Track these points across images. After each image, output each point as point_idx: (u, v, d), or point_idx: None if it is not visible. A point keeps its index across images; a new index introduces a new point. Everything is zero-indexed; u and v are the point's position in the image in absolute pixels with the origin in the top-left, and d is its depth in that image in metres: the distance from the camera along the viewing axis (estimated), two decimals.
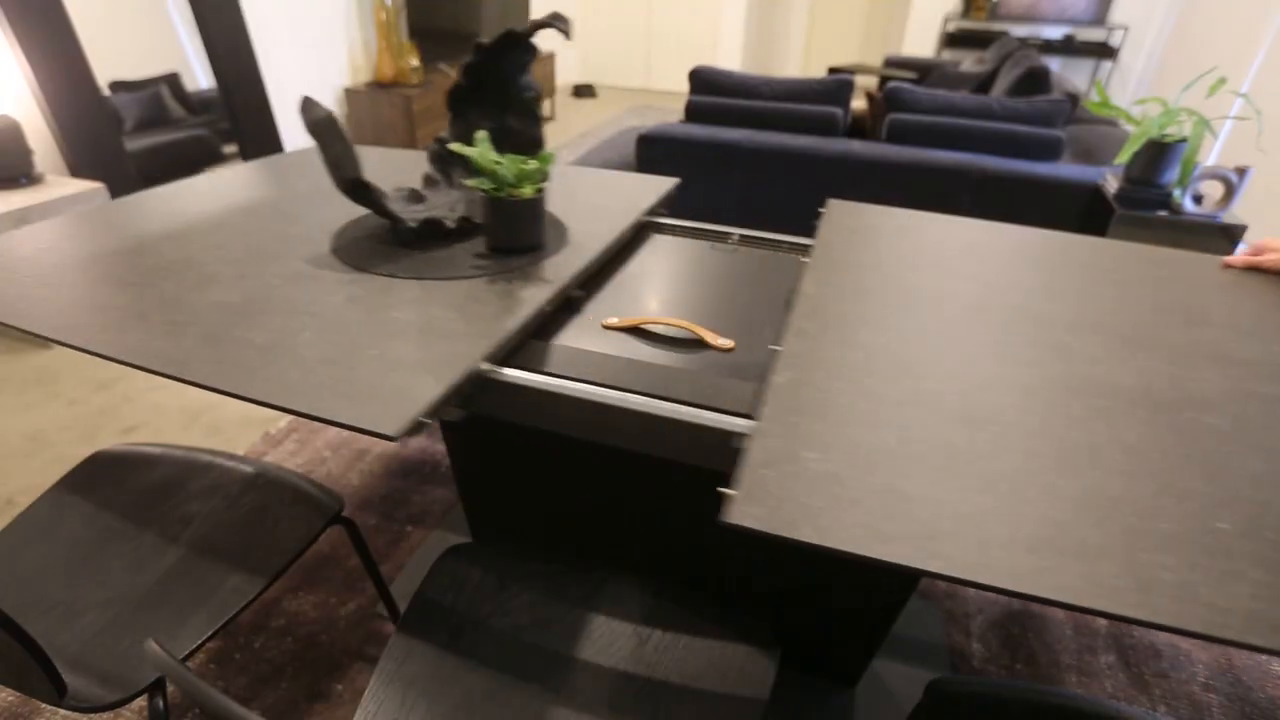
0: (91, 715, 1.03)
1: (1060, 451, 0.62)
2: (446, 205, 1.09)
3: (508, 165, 0.92)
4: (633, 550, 1.20)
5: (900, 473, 0.58)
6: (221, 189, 1.25)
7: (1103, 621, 1.35)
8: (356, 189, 0.93)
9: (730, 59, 6.18)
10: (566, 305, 0.96)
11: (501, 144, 1.05)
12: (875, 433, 0.63)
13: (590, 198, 1.22)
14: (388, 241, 1.01)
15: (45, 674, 0.66)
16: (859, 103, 3.33)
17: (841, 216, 1.15)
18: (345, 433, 1.82)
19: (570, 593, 0.84)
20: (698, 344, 0.85)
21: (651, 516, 1.11)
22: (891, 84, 2.41)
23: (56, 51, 2.52)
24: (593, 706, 0.72)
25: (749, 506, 0.54)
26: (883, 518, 0.54)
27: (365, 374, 0.70)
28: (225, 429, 1.86)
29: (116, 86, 2.82)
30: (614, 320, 0.88)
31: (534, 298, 0.86)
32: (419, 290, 0.88)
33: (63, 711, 1.12)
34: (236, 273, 0.91)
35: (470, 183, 0.96)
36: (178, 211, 1.14)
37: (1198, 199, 2.13)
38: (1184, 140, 2.09)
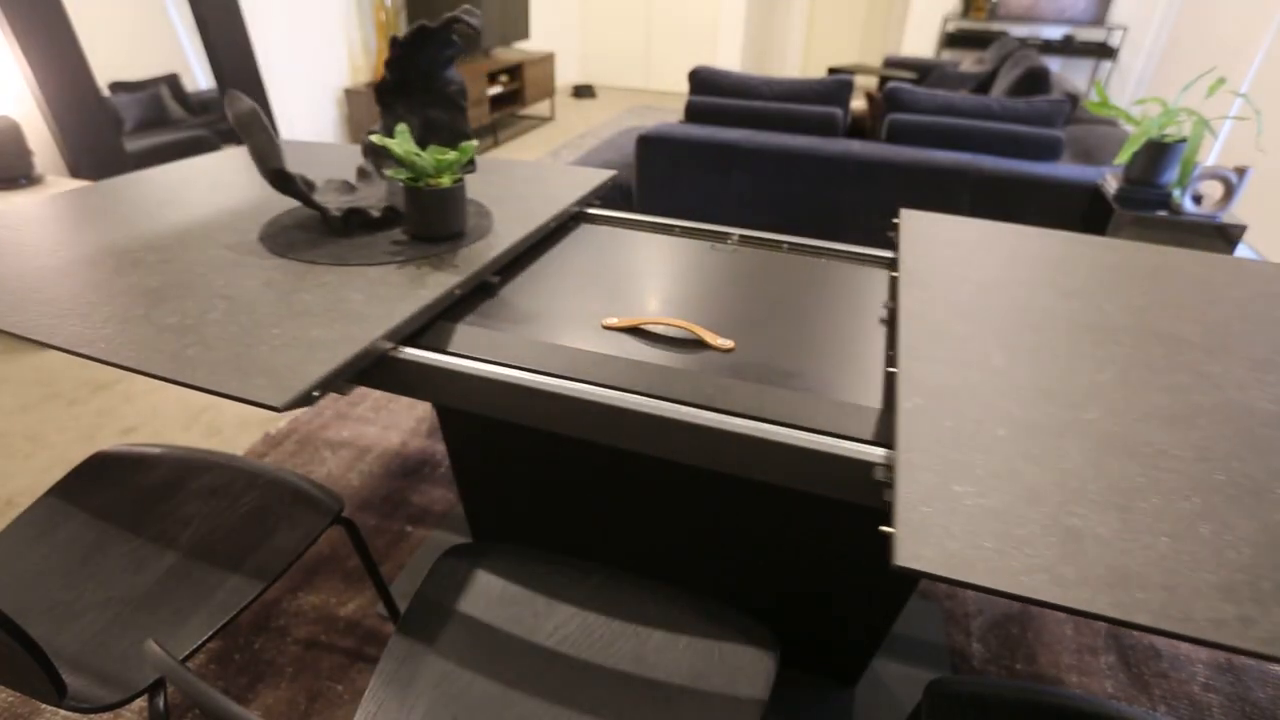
0: (91, 716, 1.03)
1: (1223, 485, 0.59)
2: (376, 196, 1.12)
3: (426, 156, 0.95)
4: (633, 550, 1.20)
5: (1063, 509, 0.55)
6: (175, 179, 1.27)
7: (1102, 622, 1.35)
8: (280, 179, 0.95)
9: (730, 59, 6.18)
10: (483, 290, 0.98)
11: (429, 136, 1.08)
12: (1027, 464, 0.60)
13: (522, 189, 1.24)
14: (317, 230, 1.04)
15: (45, 674, 0.66)
16: (859, 103, 3.33)
17: (918, 227, 1.12)
18: (345, 433, 1.82)
19: (570, 593, 0.84)
20: (698, 344, 0.85)
21: (653, 517, 1.11)
22: (891, 84, 2.41)
23: (56, 52, 2.52)
24: (593, 706, 0.72)
25: (916, 548, 0.51)
26: (1059, 559, 0.50)
27: (263, 351, 0.73)
28: (225, 430, 1.86)
29: (116, 87, 2.82)
30: (613, 320, 0.88)
31: (443, 282, 0.89)
32: (334, 275, 0.91)
33: (63, 712, 1.12)
34: (160, 258, 0.94)
35: (389, 173, 1.00)
36: (122, 201, 1.15)
37: (1197, 199, 2.13)
38: (1183, 140, 2.09)
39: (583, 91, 6.30)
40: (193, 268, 0.91)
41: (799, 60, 6.72)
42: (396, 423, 1.88)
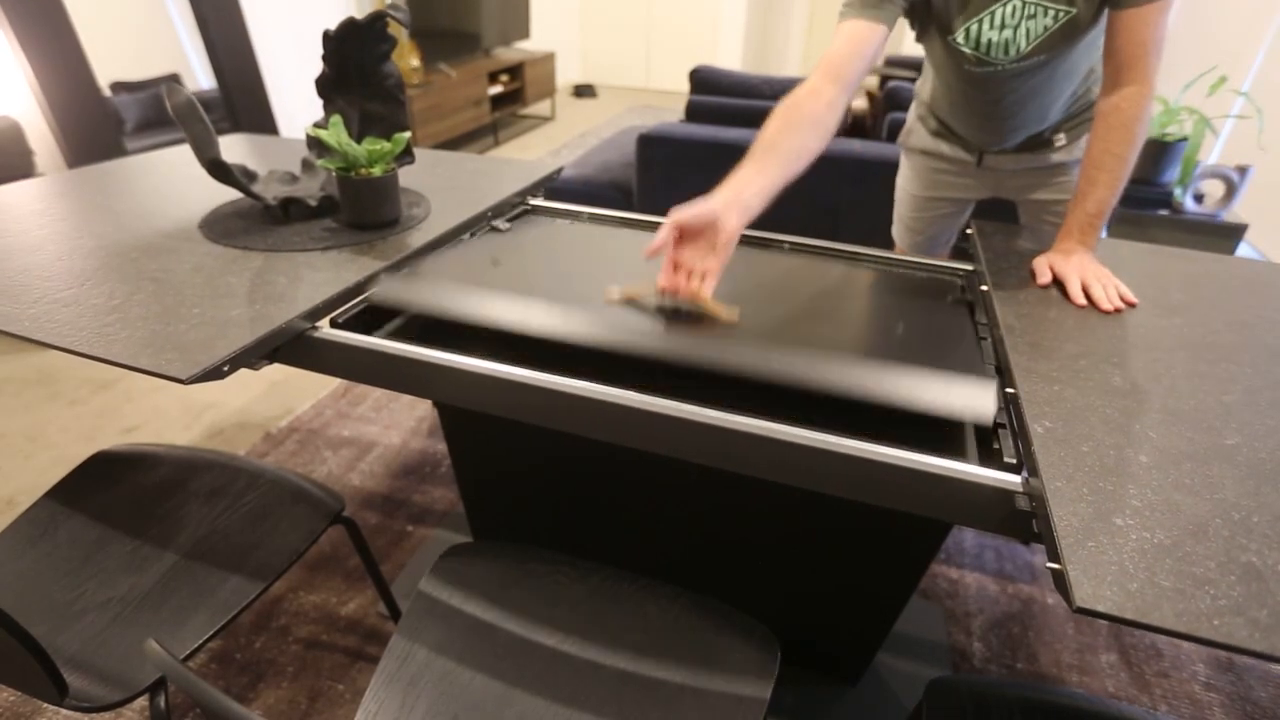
0: (93, 715, 1.03)
1: None
2: (316, 186, 1.16)
3: (358, 146, 0.99)
4: (634, 549, 1.20)
5: (1234, 544, 0.52)
6: (133, 171, 1.31)
7: (1103, 621, 1.35)
8: (216, 168, 0.98)
9: (730, 59, 6.17)
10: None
11: (368, 128, 1.11)
12: (1182, 495, 0.57)
13: (466, 180, 1.27)
14: (256, 219, 1.07)
15: (46, 674, 0.66)
16: (859, 102, 3.33)
17: (996, 239, 1.10)
18: (346, 432, 1.82)
19: (570, 592, 0.84)
20: (695, 319, 0.84)
21: (654, 516, 1.11)
22: (892, 83, 2.41)
23: (57, 52, 2.52)
24: (593, 706, 0.72)
25: (1095, 588, 0.48)
26: (1248, 601, 0.47)
27: (180, 329, 0.75)
28: (226, 429, 1.86)
29: (117, 87, 2.82)
30: (614, 292, 0.87)
31: (368, 267, 0.92)
32: (263, 260, 0.93)
33: (64, 711, 1.12)
34: (98, 244, 0.97)
35: (320, 162, 1.03)
36: (73, 191, 1.18)
37: (1199, 198, 2.13)
38: (1185, 139, 2.09)
39: (583, 91, 6.30)
40: (128, 253, 0.94)
41: (799, 60, 6.71)
42: (397, 422, 1.88)
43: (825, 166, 2.31)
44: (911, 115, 1.36)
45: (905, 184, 1.42)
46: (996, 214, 1.28)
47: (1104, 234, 1.04)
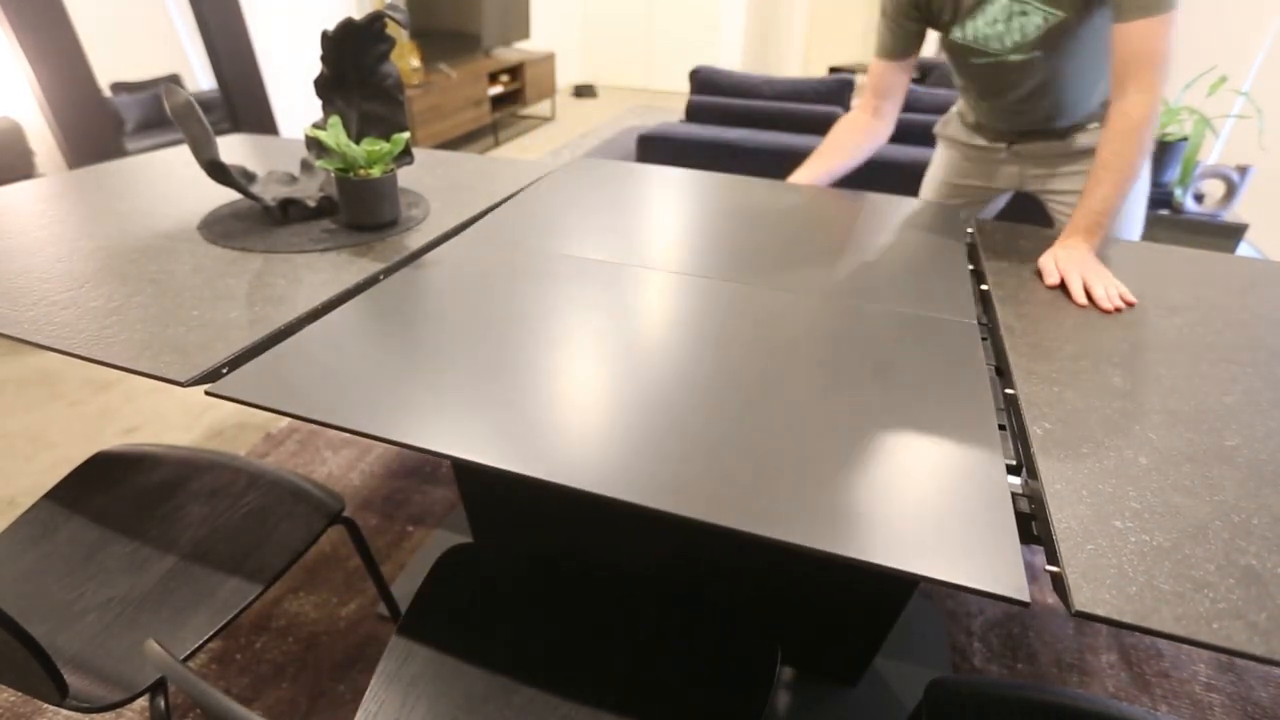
0: (93, 715, 1.03)
1: None
2: (315, 186, 1.16)
3: (357, 147, 0.99)
4: (635, 551, 1.20)
5: (1233, 547, 0.52)
6: (132, 173, 1.31)
7: None
8: (215, 169, 0.98)
9: (730, 59, 6.17)
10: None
11: (367, 129, 1.11)
12: (1181, 497, 0.57)
13: (465, 181, 1.27)
14: (255, 220, 1.07)
15: (47, 674, 0.66)
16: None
17: (996, 239, 1.10)
18: (347, 433, 1.82)
19: (570, 594, 0.84)
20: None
21: (652, 517, 1.11)
22: None
23: (58, 53, 2.52)
24: (593, 707, 0.72)
25: (1093, 591, 0.48)
26: (1248, 605, 0.48)
27: (179, 331, 0.76)
28: (226, 430, 1.86)
29: (118, 88, 2.82)
30: None
31: (367, 268, 0.92)
32: (262, 261, 0.94)
33: (64, 711, 1.12)
34: (97, 245, 0.97)
35: (319, 163, 1.03)
36: (72, 193, 1.18)
37: (1199, 198, 2.13)
38: (1185, 139, 2.08)
39: (584, 91, 6.30)
40: (127, 254, 0.94)
41: (800, 59, 6.71)
42: None
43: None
44: (953, 108, 1.47)
45: (935, 170, 1.51)
46: (1024, 214, 1.31)
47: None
